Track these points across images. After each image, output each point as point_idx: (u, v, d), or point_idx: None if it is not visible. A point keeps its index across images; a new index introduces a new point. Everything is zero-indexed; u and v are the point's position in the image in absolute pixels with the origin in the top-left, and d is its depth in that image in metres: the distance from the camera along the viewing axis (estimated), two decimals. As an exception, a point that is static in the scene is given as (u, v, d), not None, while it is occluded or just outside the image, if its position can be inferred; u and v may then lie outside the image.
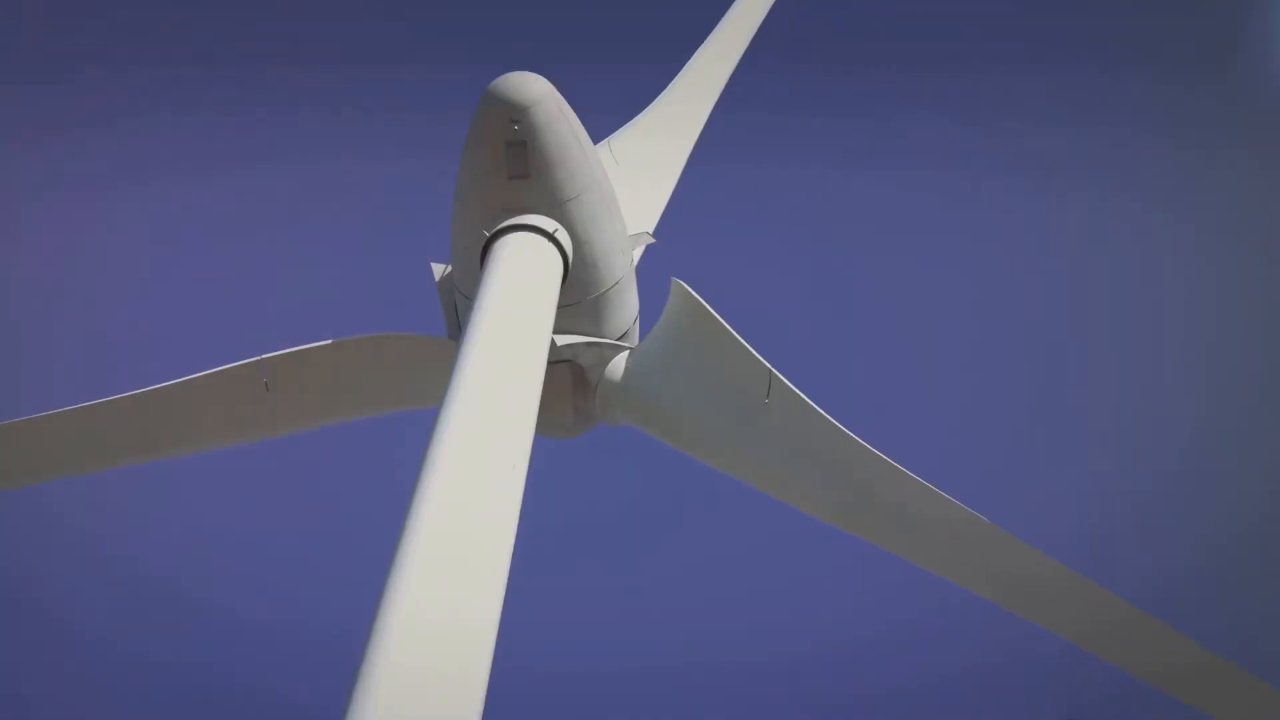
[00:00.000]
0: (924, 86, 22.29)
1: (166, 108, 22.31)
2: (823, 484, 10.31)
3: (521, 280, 9.07)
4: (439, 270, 11.03)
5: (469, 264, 9.81)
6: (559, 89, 9.83)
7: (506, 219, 9.56)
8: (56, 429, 10.84)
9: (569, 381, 10.63)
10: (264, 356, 10.68)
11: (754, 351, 10.20)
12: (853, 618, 20.43)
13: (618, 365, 10.66)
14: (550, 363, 10.39)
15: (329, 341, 10.72)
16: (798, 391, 10.08)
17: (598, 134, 10.22)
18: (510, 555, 6.73)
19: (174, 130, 22.34)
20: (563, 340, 10.35)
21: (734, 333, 10.27)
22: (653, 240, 11.72)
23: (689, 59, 14.90)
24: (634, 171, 12.28)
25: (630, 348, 10.84)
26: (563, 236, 9.69)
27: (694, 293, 10.45)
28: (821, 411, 10.06)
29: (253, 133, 22.35)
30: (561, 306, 9.34)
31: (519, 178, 9.66)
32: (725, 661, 20.56)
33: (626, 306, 10.79)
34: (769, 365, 10.13)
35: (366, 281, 21.80)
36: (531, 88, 9.64)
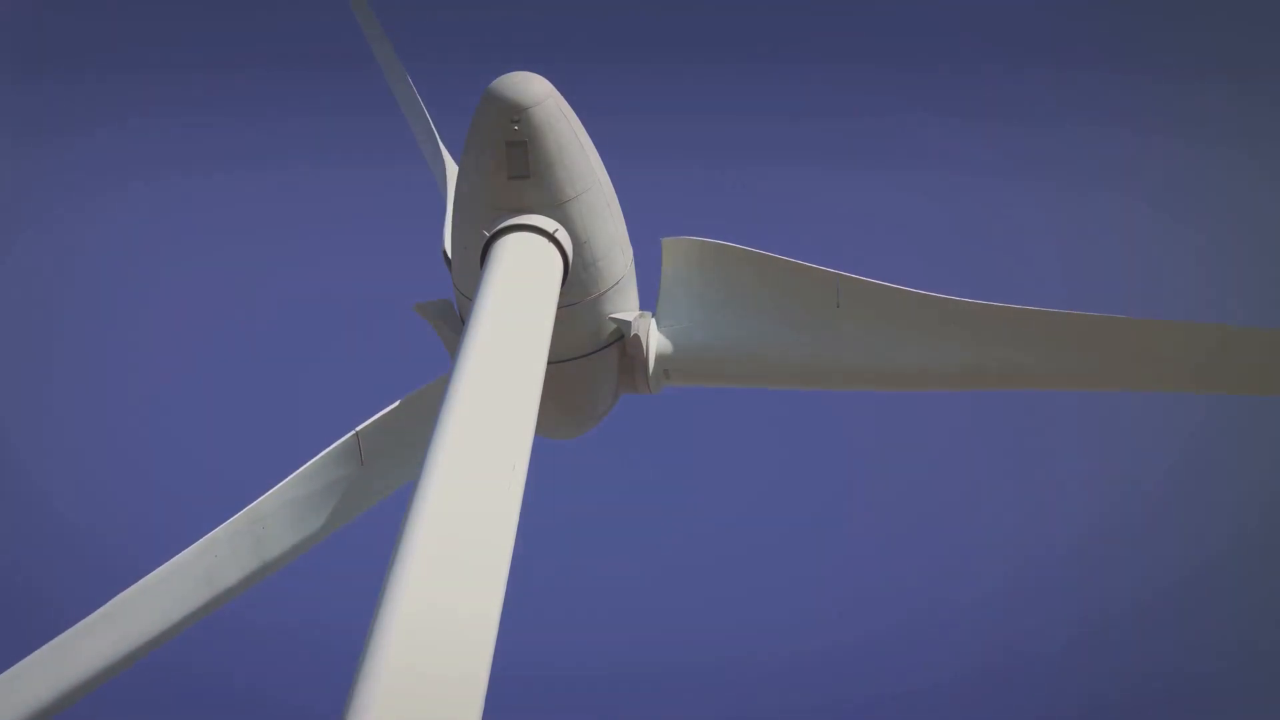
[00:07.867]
0: (924, 87, 22.29)
1: (165, 108, 22.32)
2: (935, 351, 10.33)
3: (522, 280, 9.05)
4: (424, 305, 10.95)
5: (469, 264, 9.82)
6: (559, 89, 9.84)
7: (507, 219, 9.57)
8: (171, 584, 10.45)
9: (615, 363, 10.69)
10: (358, 430, 10.64)
11: (809, 264, 10.32)
12: (853, 618, 20.44)
13: (652, 334, 10.74)
14: (602, 349, 10.46)
15: (403, 399, 10.66)
16: (869, 280, 10.18)
17: (598, 134, 10.25)
18: (510, 555, 6.73)
19: (173, 130, 22.36)
20: (631, 316, 10.48)
21: (779, 256, 10.40)
22: None
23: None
24: None
25: (652, 314, 10.93)
26: (563, 236, 9.69)
27: (708, 239, 10.59)
28: (904, 288, 10.17)
29: (252, 133, 22.36)
30: (562, 306, 9.34)
31: (519, 178, 9.66)
32: (725, 661, 20.58)
33: (627, 306, 10.79)
34: (831, 270, 10.24)
35: (366, 282, 21.83)
36: (532, 88, 9.64)
